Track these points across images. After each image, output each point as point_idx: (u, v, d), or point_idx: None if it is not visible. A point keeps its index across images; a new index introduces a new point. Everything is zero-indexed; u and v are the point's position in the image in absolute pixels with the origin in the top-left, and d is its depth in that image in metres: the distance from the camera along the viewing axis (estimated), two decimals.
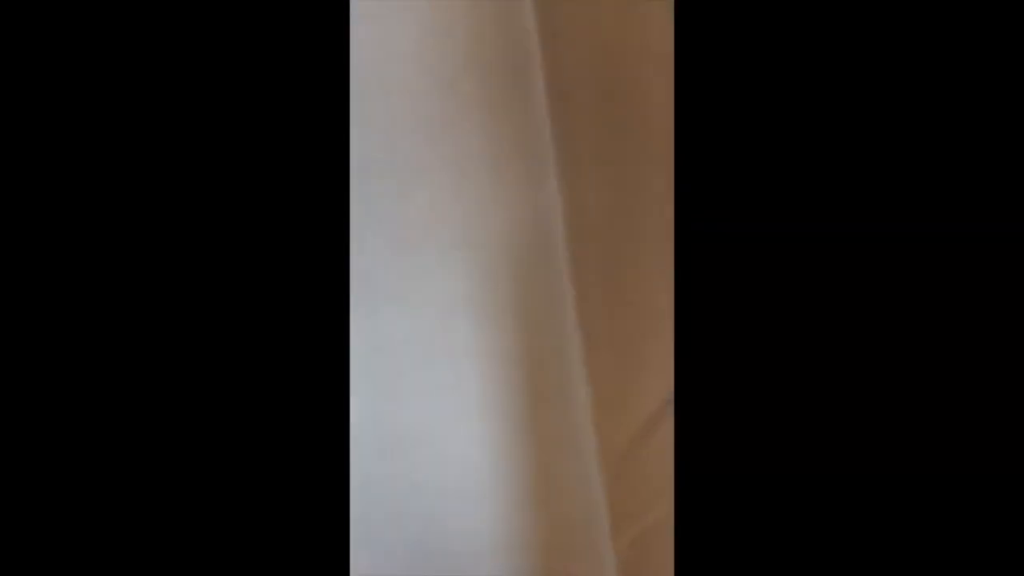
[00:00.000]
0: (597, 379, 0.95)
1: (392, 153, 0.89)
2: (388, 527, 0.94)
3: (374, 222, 0.87)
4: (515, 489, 0.95)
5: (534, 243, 0.92)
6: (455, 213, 0.90)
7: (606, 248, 0.94)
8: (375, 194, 0.87)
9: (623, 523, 0.97)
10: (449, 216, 0.90)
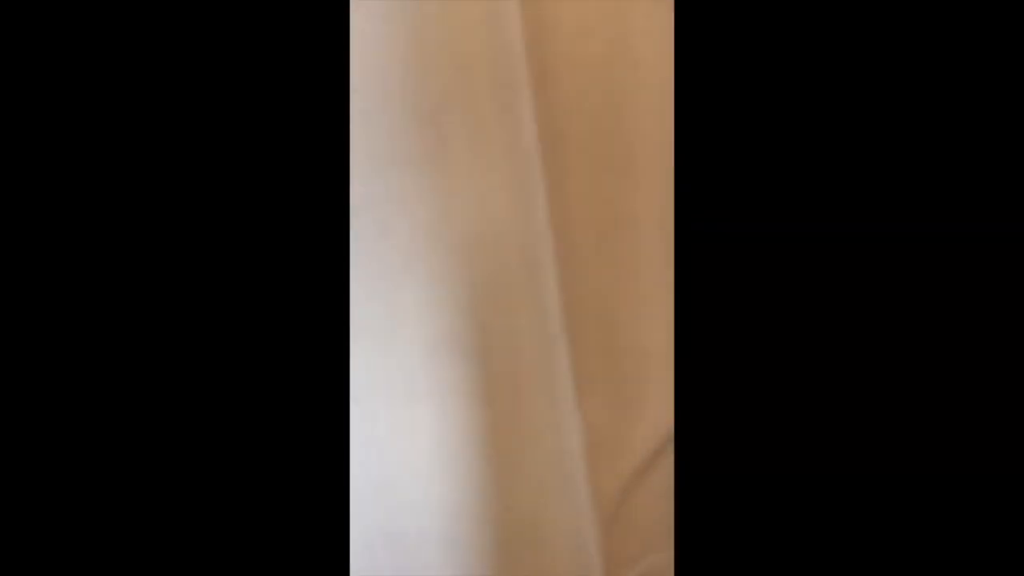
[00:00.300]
0: (590, 421, 0.94)
1: (372, 187, 0.88)
2: None
3: (353, 257, 0.86)
4: (501, 536, 0.94)
5: (521, 278, 0.91)
6: (438, 248, 0.90)
7: (599, 285, 0.93)
8: (354, 228, 0.86)
9: (618, 571, 0.95)
10: (431, 251, 0.90)
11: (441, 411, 0.93)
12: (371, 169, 0.88)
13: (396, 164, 0.88)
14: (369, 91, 0.86)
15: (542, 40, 0.89)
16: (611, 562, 0.95)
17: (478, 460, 0.93)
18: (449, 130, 0.88)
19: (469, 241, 0.90)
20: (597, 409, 0.94)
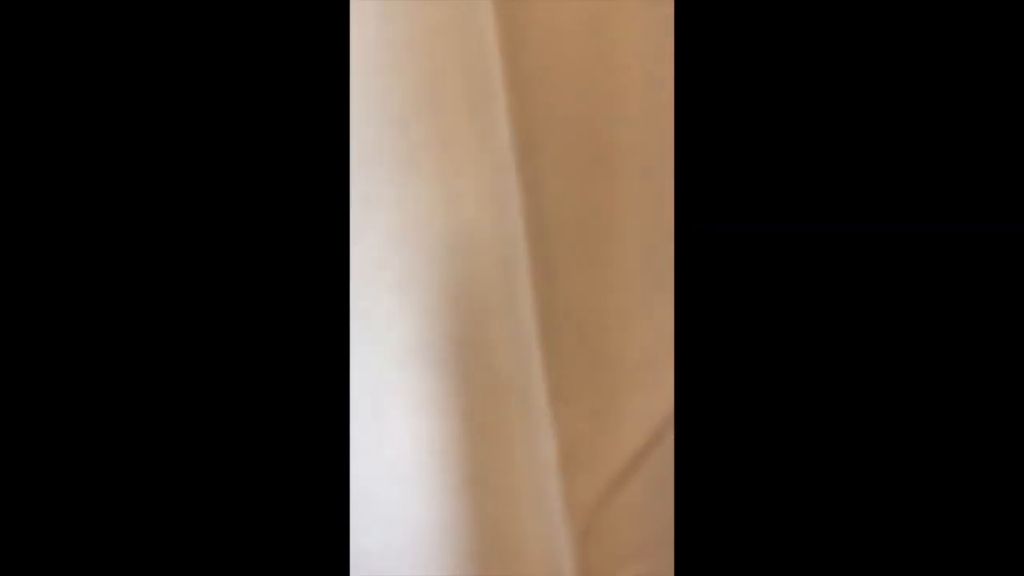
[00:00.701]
0: (563, 431, 0.93)
1: None
2: None
3: None
4: (474, 551, 0.93)
5: (495, 287, 0.90)
6: (407, 254, 0.89)
7: (576, 294, 0.92)
8: None
9: None
10: (401, 257, 0.88)
11: (410, 422, 0.92)
12: None
13: (364, 167, 0.87)
14: None
15: (516, 43, 0.88)
16: (585, 574, 0.94)
17: (449, 473, 0.92)
18: (420, 137, 0.87)
19: (440, 247, 0.89)
20: (572, 419, 0.93)
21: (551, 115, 0.90)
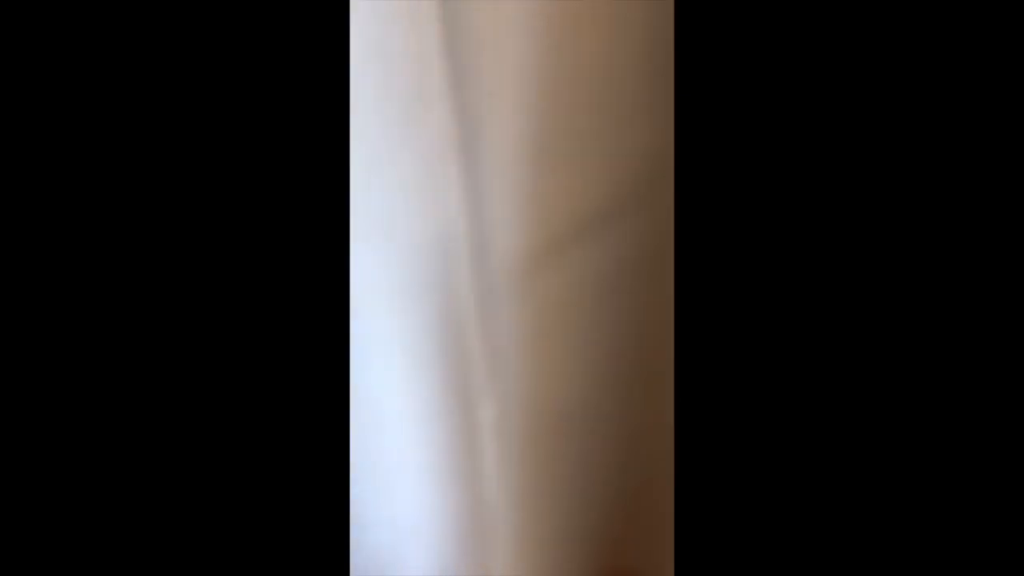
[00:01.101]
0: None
1: None
2: None
3: None
4: (441, 530, 0.93)
5: (435, 282, 0.89)
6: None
7: (520, 273, 0.91)
8: None
9: None
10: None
11: (380, 411, 0.91)
12: None
13: None
14: None
15: (459, 38, 0.86)
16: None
17: (413, 461, 0.92)
18: (355, 121, 0.86)
19: (378, 229, 0.88)
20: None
21: (492, 109, 0.88)
